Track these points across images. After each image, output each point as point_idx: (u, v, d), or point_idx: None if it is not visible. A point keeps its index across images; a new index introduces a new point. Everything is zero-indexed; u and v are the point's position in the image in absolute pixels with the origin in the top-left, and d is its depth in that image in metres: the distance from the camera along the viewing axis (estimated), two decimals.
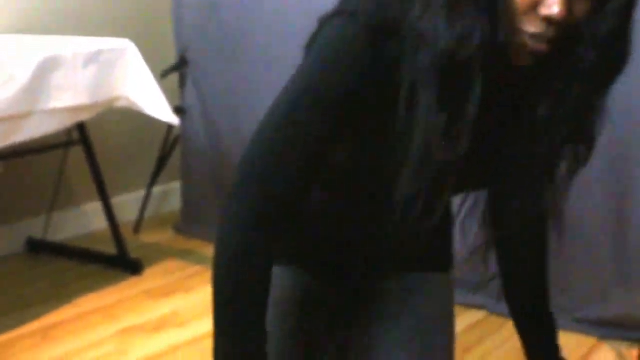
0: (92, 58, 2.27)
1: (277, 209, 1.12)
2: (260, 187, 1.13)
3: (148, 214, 3.07)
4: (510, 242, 1.51)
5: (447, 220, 1.52)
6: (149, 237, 2.98)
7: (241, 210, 1.13)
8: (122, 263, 2.65)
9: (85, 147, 2.59)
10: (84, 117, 2.36)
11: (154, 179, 3.00)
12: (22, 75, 2.07)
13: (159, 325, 2.25)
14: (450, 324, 1.50)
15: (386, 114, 1.15)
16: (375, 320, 1.45)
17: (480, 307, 2.33)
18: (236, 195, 1.15)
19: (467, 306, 2.31)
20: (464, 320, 2.23)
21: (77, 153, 2.70)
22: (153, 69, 2.44)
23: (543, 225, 1.48)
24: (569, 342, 2.15)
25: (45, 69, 2.14)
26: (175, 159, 3.04)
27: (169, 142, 2.98)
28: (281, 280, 1.33)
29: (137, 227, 3.00)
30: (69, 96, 2.21)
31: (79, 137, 2.59)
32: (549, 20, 1.05)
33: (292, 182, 1.13)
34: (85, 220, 2.98)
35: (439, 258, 1.53)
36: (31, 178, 2.82)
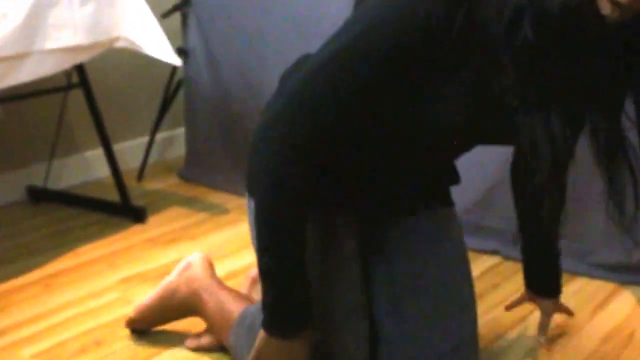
0: None
1: (311, 144, 1.21)
2: (305, 119, 1.19)
3: (151, 161, 3.00)
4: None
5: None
6: (152, 184, 2.90)
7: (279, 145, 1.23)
8: (125, 211, 2.58)
9: (85, 91, 2.51)
10: (82, 58, 2.27)
11: (157, 125, 2.92)
12: (16, 14, 1.98)
13: (163, 273, 2.17)
14: (466, 255, 1.57)
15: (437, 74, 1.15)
16: (401, 256, 1.49)
17: (494, 252, 2.26)
18: (279, 127, 1.22)
19: (481, 252, 2.24)
20: (478, 266, 2.16)
21: (77, 98, 2.62)
22: (153, 8, 2.34)
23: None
24: (588, 288, 2.09)
25: (41, 7, 2.04)
26: (178, 104, 2.96)
27: (172, 86, 2.89)
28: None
29: (140, 174, 2.93)
30: (66, 36, 2.12)
31: (79, 80, 2.51)
32: None
33: (328, 130, 1.19)
34: (87, 168, 2.91)
35: (446, 193, 1.57)
36: (31, 124, 2.73)
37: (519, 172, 1.62)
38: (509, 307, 1.85)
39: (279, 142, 1.22)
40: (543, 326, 1.79)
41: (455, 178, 1.58)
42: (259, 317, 1.36)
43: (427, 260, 1.50)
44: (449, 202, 1.59)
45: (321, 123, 1.19)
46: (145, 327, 1.83)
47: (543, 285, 1.77)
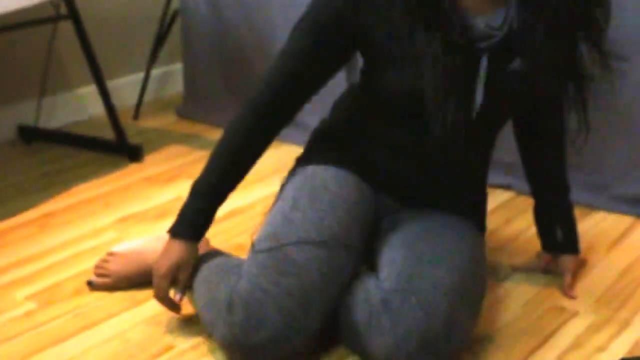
0: None
1: (268, 108, 1.51)
2: (257, 92, 1.53)
3: (147, 98, 2.89)
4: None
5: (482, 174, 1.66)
6: (149, 122, 2.80)
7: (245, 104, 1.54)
8: (121, 149, 2.48)
9: (75, 23, 2.39)
10: None
11: (151, 60, 2.80)
12: None
13: (161, 213, 2.10)
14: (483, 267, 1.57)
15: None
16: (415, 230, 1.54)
17: (507, 187, 2.18)
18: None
19: (495, 186, 2.15)
20: (491, 200, 2.07)
21: (67, 31, 2.50)
22: None
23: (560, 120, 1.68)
24: (606, 221, 2.02)
25: None
26: (175, 37, 2.84)
27: (167, 17, 2.76)
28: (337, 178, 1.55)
29: (136, 112, 2.82)
30: None
31: (67, 11, 2.39)
32: None
33: (279, 92, 1.49)
34: (80, 106, 2.80)
35: (473, 209, 1.64)
36: (19, 60, 2.62)
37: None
38: (516, 268, 1.79)
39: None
40: (570, 287, 1.72)
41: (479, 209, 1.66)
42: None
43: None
44: (478, 226, 1.62)
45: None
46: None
47: (565, 239, 1.73)
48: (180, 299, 1.54)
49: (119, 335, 1.57)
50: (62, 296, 1.70)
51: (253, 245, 1.48)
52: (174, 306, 1.54)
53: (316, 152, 1.61)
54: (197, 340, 1.55)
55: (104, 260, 1.73)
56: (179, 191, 2.21)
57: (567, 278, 1.71)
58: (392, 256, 1.48)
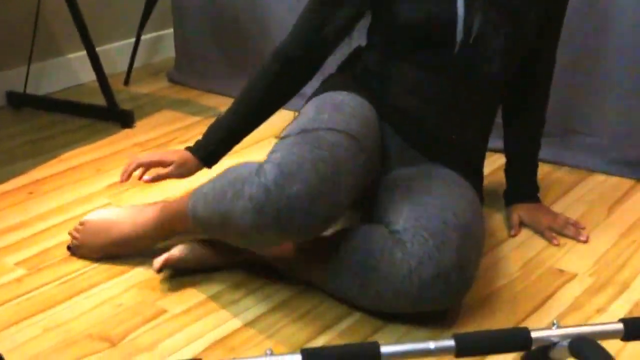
0: None
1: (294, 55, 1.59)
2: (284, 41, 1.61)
3: (138, 64, 2.84)
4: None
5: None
6: (140, 88, 2.76)
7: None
8: (112, 115, 2.44)
9: None
10: None
11: (142, 25, 2.75)
12: None
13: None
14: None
15: None
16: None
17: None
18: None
19: (492, 151, 2.11)
20: (488, 165, 2.04)
21: None
22: None
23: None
24: (605, 185, 1.99)
25: None
26: (165, 1, 2.79)
27: None
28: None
29: (127, 78, 2.78)
30: None
31: None
32: None
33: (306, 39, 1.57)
34: (70, 72, 2.75)
35: (473, 174, 1.67)
36: (8, 26, 2.57)
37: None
38: (515, 234, 1.78)
39: None
40: (550, 238, 1.74)
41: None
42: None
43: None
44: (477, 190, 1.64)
45: None
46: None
47: (520, 189, 1.82)
48: (140, 177, 1.69)
49: (110, 301, 1.54)
50: (52, 262, 1.67)
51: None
52: (126, 172, 1.67)
53: (330, 86, 1.63)
54: (189, 304, 1.52)
55: (76, 230, 1.68)
56: None
57: (513, 218, 1.78)
58: (397, 207, 1.47)
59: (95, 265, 1.65)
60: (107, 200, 1.94)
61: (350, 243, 1.44)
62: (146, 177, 1.69)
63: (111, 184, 2.03)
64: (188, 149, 1.68)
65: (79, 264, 1.66)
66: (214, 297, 1.55)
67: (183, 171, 1.67)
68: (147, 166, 1.68)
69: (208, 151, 1.67)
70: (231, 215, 1.37)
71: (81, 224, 1.67)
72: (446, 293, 1.39)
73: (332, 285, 1.49)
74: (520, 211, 1.78)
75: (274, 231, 1.33)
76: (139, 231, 1.62)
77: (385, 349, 1.18)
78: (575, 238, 1.73)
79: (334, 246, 1.46)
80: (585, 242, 1.72)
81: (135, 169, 1.68)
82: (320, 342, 1.40)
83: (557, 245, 1.71)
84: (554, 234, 1.73)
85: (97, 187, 2.02)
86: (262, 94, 1.62)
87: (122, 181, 1.68)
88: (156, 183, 1.72)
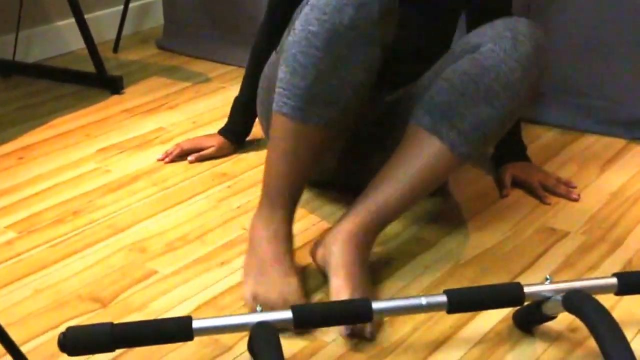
0: None
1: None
2: None
3: (127, 31, 2.81)
4: None
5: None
6: (129, 55, 2.73)
7: None
8: (101, 81, 2.42)
9: None
10: None
11: None
12: None
13: (143, 142, 2.05)
14: None
15: None
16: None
17: None
18: None
19: None
20: None
21: None
22: None
23: None
24: (597, 144, 1.99)
25: None
26: None
27: None
28: None
29: (116, 45, 2.75)
30: None
31: None
32: None
33: None
34: (59, 40, 2.72)
35: None
36: None
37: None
38: (507, 193, 1.77)
39: None
40: (542, 196, 1.73)
41: None
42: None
43: None
44: None
45: None
46: None
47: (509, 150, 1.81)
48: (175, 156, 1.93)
49: (101, 262, 1.53)
50: (43, 225, 1.66)
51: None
52: (169, 154, 1.92)
53: None
54: (179, 265, 1.52)
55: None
56: (160, 122, 2.16)
57: (505, 178, 1.77)
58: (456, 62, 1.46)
59: (86, 228, 1.65)
60: (96, 165, 1.93)
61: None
62: (190, 157, 1.92)
63: (100, 149, 2.02)
64: (220, 133, 1.94)
65: (69, 226, 1.65)
66: (204, 258, 1.54)
67: (224, 152, 1.94)
68: (188, 151, 1.92)
69: (237, 133, 1.94)
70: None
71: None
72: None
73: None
74: (513, 170, 1.77)
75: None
76: None
77: (376, 305, 1.18)
78: (567, 197, 1.72)
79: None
80: (577, 200, 1.72)
81: (178, 154, 1.92)
82: (311, 300, 1.40)
83: (549, 204, 1.71)
84: (546, 193, 1.73)
85: (86, 153, 2.00)
86: (265, 62, 1.67)
87: (161, 160, 1.92)
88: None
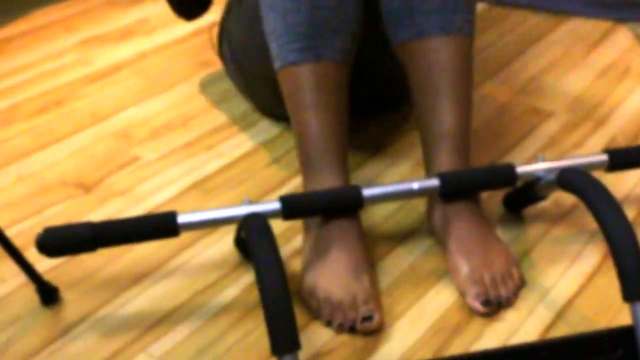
0: None
1: None
2: None
3: None
4: None
5: None
6: None
7: None
8: None
9: None
10: None
11: None
12: None
13: (125, 34, 2.02)
14: None
15: None
16: None
17: None
18: None
19: None
20: None
21: None
22: None
23: None
24: (584, 27, 1.96)
25: None
26: None
27: None
28: None
29: None
30: None
31: None
32: None
33: None
34: None
35: None
36: None
37: None
38: None
39: None
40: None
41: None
42: None
43: None
44: None
45: None
46: None
47: None
48: None
49: (84, 149, 1.52)
50: (23, 115, 1.65)
51: None
52: None
53: None
54: (163, 151, 1.51)
55: None
56: (144, 12, 2.12)
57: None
58: None
59: (68, 116, 1.63)
60: (76, 56, 1.90)
61: None
62: None
63: (81, 40, 1.99)
64: None
65: (50, 115, 1.64)
66: (189, 144, 1.53)
67: None
68: None
69: None
70: None
71: None
72: None
73: None
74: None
75: None
76: None
77: (367, 191, 1.15)
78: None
79: None
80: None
81: None
82: (295, 183, 1.40)
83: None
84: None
85: (67, 44, 1.97)
86: None
87: None
88: None
